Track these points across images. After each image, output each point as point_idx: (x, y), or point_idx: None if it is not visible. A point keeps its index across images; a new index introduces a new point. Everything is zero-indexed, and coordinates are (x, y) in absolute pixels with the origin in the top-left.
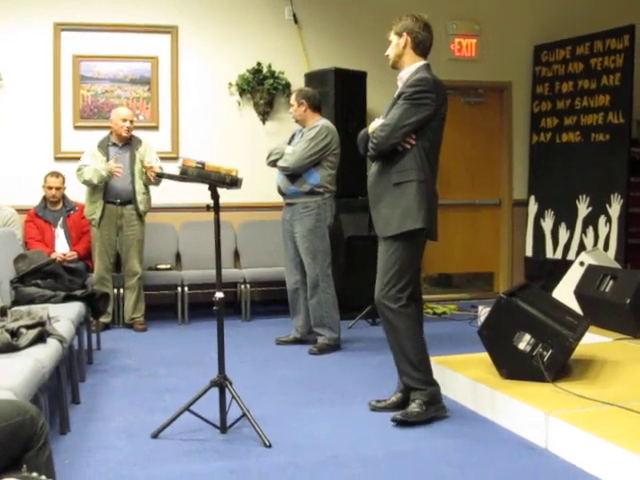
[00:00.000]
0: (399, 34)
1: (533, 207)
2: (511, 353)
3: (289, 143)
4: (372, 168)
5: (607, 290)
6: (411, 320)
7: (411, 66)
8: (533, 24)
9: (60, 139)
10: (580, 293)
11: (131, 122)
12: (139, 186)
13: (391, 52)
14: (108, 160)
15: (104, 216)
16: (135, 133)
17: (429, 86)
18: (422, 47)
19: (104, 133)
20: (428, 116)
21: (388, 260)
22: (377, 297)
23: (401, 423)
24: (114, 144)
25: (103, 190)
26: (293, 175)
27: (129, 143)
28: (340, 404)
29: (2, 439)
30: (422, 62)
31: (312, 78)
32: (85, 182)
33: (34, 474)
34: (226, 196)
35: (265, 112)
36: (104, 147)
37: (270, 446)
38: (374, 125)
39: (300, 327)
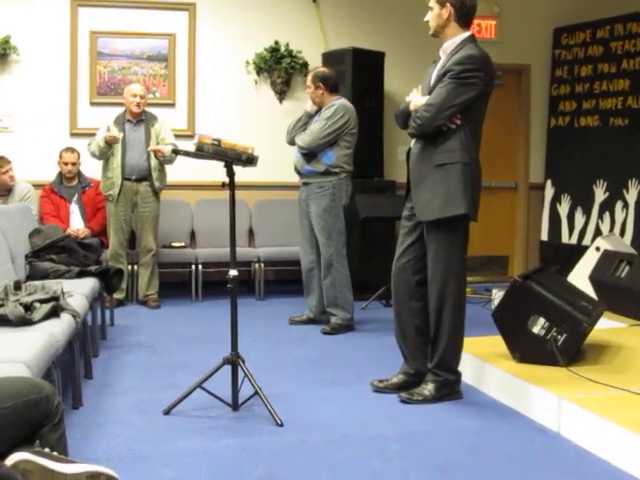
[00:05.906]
0: (441, 4)
1: (549, 191)
2: (525, 337)
3: (306, 123)
4: (413, 147)
5: (623, 276)
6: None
7: (455, 37)
8: (553, 6)
9: (76, 115)
10: (595, 278)
11: (141, 97)
12: (154, 163)
13: (432, 21)
14: (125, 136)
15: (121, 192)
16: (151, 110)
17: (477, 64)
18: (467, 18)
19: (120, 110)
20: (475, 96)
21: (435, 249)
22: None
23: (405, 402)
24: (129, 120)
25: (121, 166)
26: (309, 154)
27: (143, 120)
28: (352, 384)
29: (18, 414)
30: (467, 33)
31: (329, 58)
32: (92, 155)
33: (46, 449)
34: (242, 174)
35: (282, 91)
36: (120, 123)
37: (281, 425)
38: (416, 101)
39: (314, 307)
